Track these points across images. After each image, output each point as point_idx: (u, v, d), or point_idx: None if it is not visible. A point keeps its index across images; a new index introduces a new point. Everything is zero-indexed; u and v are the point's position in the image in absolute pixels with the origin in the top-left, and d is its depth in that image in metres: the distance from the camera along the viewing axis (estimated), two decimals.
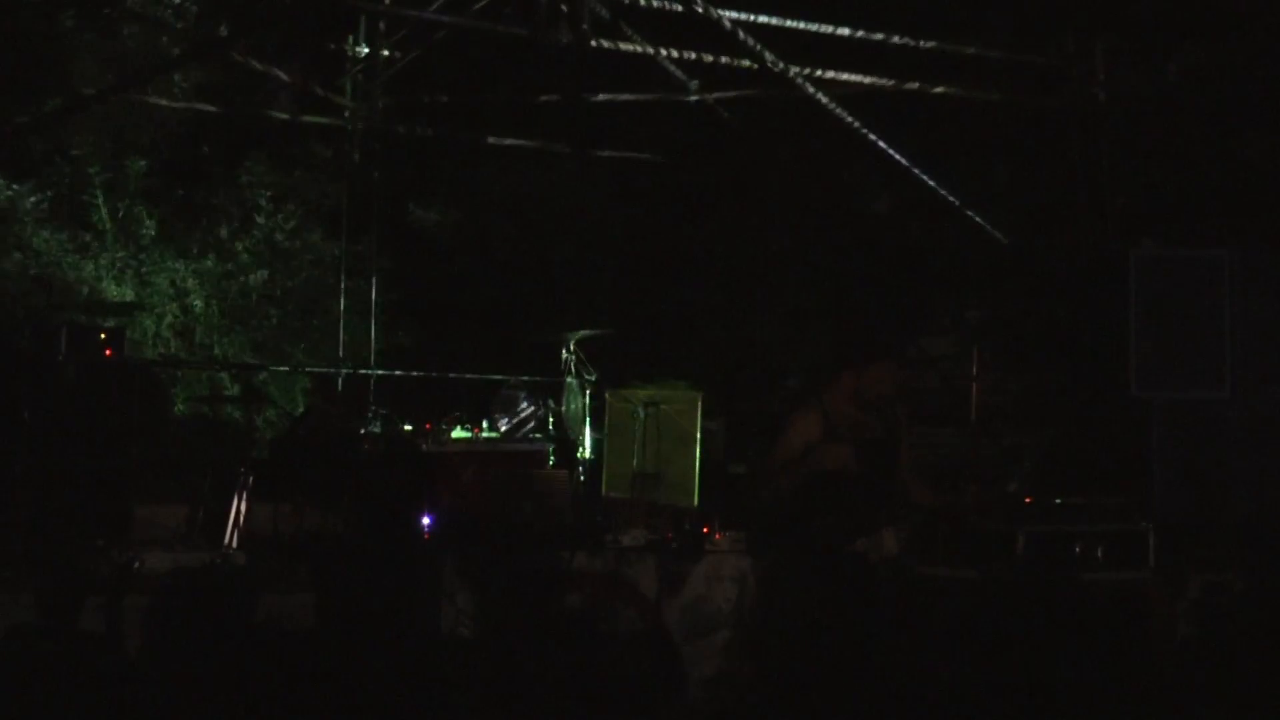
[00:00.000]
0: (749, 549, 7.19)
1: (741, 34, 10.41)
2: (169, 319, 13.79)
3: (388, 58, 12.71)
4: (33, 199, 13.26)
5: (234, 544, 9.59)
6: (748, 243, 14.08)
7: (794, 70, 10.74)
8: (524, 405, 10.17)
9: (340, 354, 12.85)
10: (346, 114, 12.86)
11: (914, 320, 13.06)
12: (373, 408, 10.95)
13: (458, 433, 9.80)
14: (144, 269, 13.65)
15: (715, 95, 12.59)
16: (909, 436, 7.19)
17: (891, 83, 11.49)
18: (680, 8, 10.56)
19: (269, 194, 14.22)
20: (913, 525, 7.21)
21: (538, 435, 10.12)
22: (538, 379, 10.91)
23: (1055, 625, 6.53)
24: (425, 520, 7.75)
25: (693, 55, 11.09)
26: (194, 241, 14.02)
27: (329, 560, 8.50)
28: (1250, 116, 11.27)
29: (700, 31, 10.79)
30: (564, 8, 10.11)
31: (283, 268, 14.21)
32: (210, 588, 6.68)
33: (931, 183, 11.27)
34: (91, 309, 12.13)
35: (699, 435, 9.77)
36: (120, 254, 13.54)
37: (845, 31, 11.11)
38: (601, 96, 12.98)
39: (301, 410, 13.23)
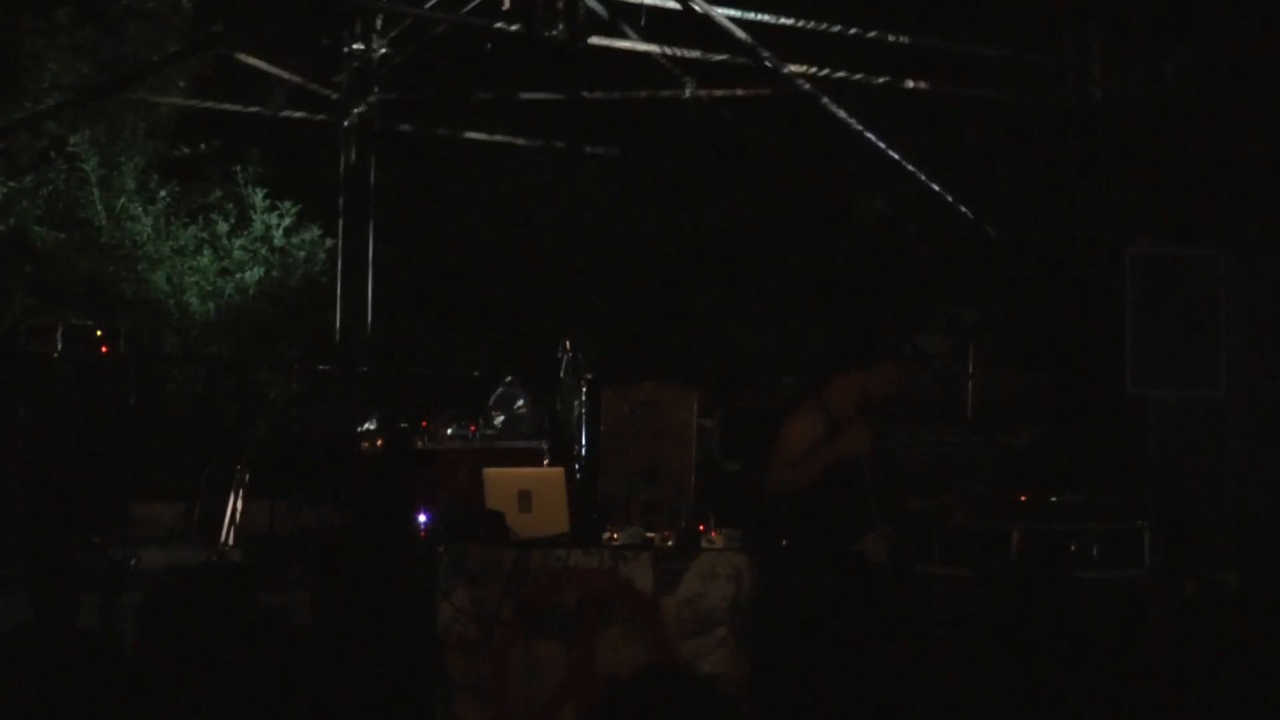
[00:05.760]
0: (745, 547, 7.17)
1: (738, 31, 10.41)
2: (165, 316, 13.77)
3: (384, 54, 12.70)
4: (29, 195, 13.25)
5: (230, 541, 9.58)
6: (745, 241, 14.08)
7: (790, 68, 10.74)
8: (521, 403, 10.16)
9: (337, 352, 12.85)
10: (343, 110, 12.86)
11: (910, 318, 13.07)
12: (369, 405, 10.94)
13: (454, 430, 9.79)
14: (140, 266, 13.63)
15: (712, 93, 12.59)
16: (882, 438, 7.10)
17: (889, 81, 11.50)
18: (677, 5, 10.56)
19: (265, 191, 14.21)
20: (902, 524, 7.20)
21: (534, 433, 10.12)
22: (535, 377, 10.90)
23: (1050, 624, 6.54)
24: (422, 518, 7.74)
25: (680, 52, 11.09)
26: (190, 239, 14.01)
27: (325, 558, 8.50)
28: (1246, 116, 11.28)
29: (697, 29, 10.79)
30: (559, 4, 10.11)
31: (279, 265, 14.21)
32: (206, 585, 6.68)
33: (928, 181, 11.27)
34: (87, 306, 12.13)
35: (695, 433, 9.75)
36: (116, 251, 13.52)
37: (842, 29, 11.11)
38: (598, 94, 12.97)
39: (298, 408, 13.22)
